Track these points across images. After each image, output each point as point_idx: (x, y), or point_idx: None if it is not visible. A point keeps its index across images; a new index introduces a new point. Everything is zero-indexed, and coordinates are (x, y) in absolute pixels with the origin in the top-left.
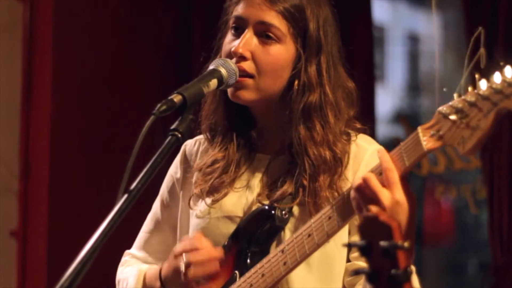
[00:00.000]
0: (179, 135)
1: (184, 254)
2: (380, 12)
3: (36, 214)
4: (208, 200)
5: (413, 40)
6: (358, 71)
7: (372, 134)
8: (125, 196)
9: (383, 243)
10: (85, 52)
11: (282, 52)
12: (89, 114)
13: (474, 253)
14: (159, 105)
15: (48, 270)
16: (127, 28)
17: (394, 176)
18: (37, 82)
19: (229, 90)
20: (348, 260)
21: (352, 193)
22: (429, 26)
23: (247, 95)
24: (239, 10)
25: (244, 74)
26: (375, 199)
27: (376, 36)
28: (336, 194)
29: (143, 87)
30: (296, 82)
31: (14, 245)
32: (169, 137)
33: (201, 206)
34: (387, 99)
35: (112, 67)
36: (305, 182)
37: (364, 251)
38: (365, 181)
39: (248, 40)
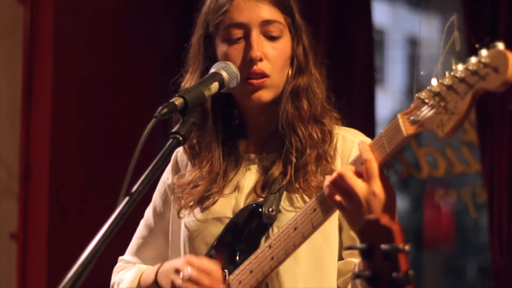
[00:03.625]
0: (181, 138)
1: (190, 268)
2: (380, 15)
3: (36, 217)
4: (198, 211)
5: (413, 43)
6: (358, 74)
7: (372, 136)
8: (126, 199)
9: (384, 246)
10: (85, 55)
11: (286, 44)
12: (89, 117)
13: (474, 257)
14: (160, 108)
15: (48, 273)
16: (128, 31)
17: (374, 167)
18: (38, 84)
19: (246, 93)
20: (341, 258)
21: (326, 189)
22: (429, 29)
23: (267, 95)
24: (233, 18)
25: (262, 75)
26: (351, 192)
27: (376, 40)
28: (324, 163)
29: (144, 90)
30: (292, 69)
31: (14, 247)
32: (170, 140)
33: (191, 215)
34: (387, 102)
35: (113, 70)
36: (293, 159)
37: (365, 254)
38: (340, 176)
39: (259, 42)
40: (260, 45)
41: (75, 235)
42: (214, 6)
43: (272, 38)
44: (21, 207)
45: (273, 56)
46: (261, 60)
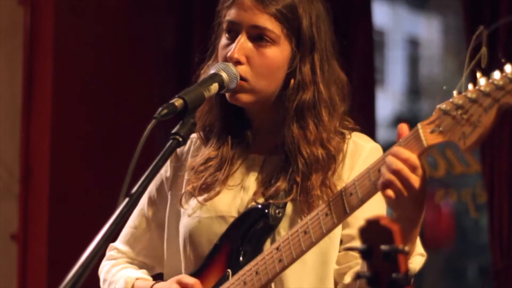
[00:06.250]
0: (180, 139)
1: None
2: (380, 16)
3: (37, 218)
4: (201, 198)
5: (413, 44)
6: (358, 75)
7: (372, 138)
8: (126, 199)
9: (384, 247)
10: (85, 56)
11: (277, 53)
12: (89, 117)
13: (474, 257)
14: (160, 109)
15: (49, 274)
16: (128, 31)
17: (417, 161)
18: (38, 85)
19: (227, 92)
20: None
21: (389, 176)
22: (429, 30)
23: (244, 98)
24: (231, 14)
25: (240, 78)
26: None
27: (376, 40)
28: (329, 191)
29: (144, 91)
30: (292, 81)
31: (15, 248)
32: (170, 141)
33: (193, 204)
34: (387, 103)
35: (113, 71)
36: (298, 180)
37: (365, 255)
38: (405, 160)
39: (243, 45)
40: (243, 48)
41: (75, 236)
42: None
43: (260, 45)
44: (21, 208)
45: (256, 62)
46: (240, 63)
